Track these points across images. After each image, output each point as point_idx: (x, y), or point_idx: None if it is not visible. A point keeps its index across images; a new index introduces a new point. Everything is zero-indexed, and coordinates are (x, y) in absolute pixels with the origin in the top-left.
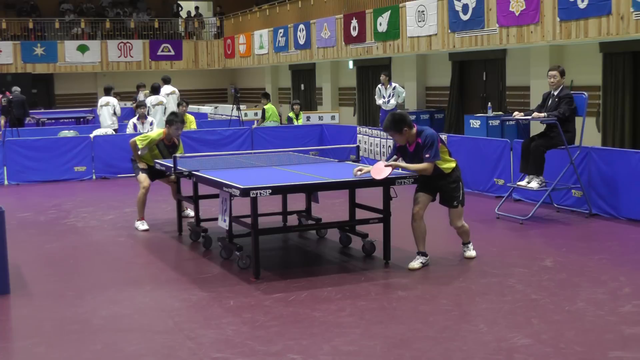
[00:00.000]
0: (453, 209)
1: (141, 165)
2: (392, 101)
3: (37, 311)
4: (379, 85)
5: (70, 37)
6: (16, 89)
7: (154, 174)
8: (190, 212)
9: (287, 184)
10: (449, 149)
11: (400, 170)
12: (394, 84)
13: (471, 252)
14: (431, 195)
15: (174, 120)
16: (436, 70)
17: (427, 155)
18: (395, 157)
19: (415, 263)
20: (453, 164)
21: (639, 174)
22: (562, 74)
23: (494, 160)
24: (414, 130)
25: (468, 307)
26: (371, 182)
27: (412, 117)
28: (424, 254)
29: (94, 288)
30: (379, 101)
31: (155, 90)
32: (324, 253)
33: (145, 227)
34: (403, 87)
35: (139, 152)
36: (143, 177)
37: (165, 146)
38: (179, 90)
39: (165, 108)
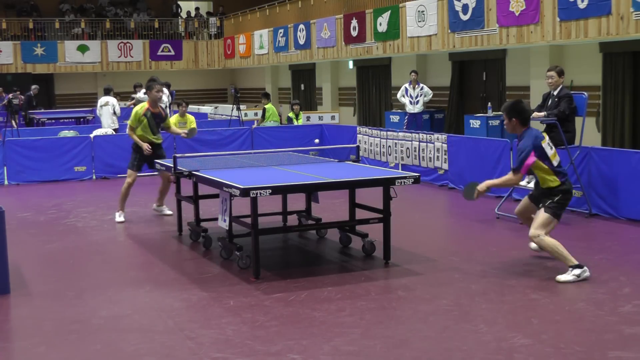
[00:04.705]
0: (538, 210)
1: (144, 145)
2: (421, 102)
3: (37, 311)
4: (406, 84)
5: (70, 37)
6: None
7: (150, 161)
8: (166, 210)
9: (287, 184)
10: (557, 169)
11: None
12: (421, 84)
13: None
14: (534, 202)
15: (152, 85)
16: (436, 70)
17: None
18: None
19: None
20: (554, 184)
21: (639, 174)
22: (560, 74)
23: (494, 160)
24: (523, 129)
25: (468, 307)
26: (371, 182)
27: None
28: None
29: (94, 288)
30: (404, 100)
31: None
32: (324, 253)
33: (122, 219)
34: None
35: (135, 130)
36: (130, 172)
37: (152, 115)
38: (177, 91)
39: (165, 107)
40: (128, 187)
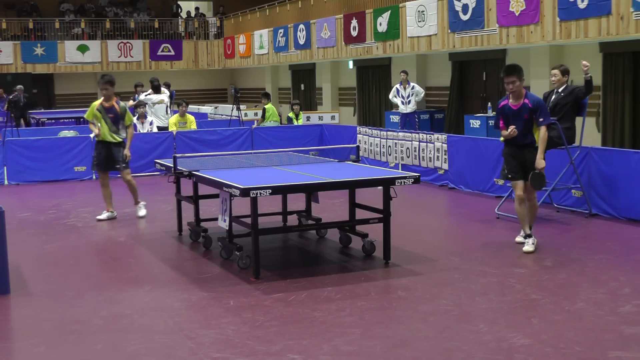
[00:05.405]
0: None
1: (95, 131)
2: (412, 102)
3: (37, 311)
4: (397, 85)
5: (70, 37)
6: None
7: (106, 161)
8: (139, 212)
9: (287, 184)
10: None
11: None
12: (412, 84)
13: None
14: (523, 177)
15: (100, 80)
16: (436, 70)
17: (541, 119)
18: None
19: (528, 247)
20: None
21: (639, 174)
22: (564, 73)
23: (493, 160)
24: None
25: (468, 307)
26: (371, 182)
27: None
28: (529, 235)
29: (94, 288)
30: (396, 100)
31: (156, 89)
32: (324, 253)
33: (103, 217)
34: (422, 87)
35: (94, 125)
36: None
37: (104, 109)
38: (177, 91)
39: (167, 106)
40: (101, 186)
